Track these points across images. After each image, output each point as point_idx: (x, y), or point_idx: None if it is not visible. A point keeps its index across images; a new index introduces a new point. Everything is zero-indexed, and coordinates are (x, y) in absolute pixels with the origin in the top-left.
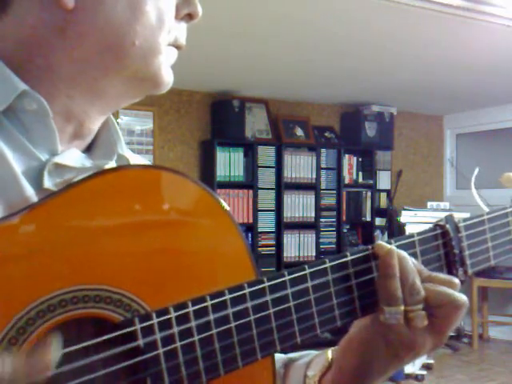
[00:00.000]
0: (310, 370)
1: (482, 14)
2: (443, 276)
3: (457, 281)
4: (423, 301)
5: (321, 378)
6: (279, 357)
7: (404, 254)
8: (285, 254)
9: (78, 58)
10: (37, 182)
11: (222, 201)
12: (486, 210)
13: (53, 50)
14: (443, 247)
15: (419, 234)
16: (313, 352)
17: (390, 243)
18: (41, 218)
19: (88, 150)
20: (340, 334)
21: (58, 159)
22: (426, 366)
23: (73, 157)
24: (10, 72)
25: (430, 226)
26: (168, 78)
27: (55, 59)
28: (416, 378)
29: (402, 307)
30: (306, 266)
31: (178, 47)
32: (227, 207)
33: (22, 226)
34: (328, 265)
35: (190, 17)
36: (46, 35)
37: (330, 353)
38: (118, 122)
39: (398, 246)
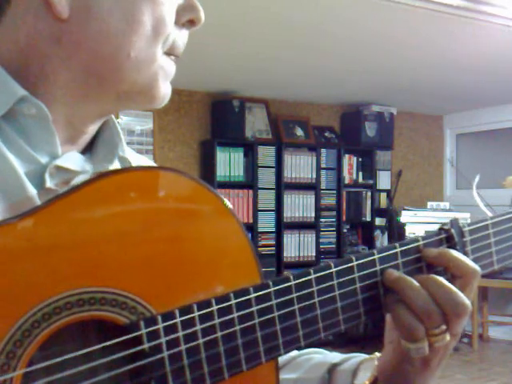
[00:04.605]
0: (357, 379)
1: (481, 14)
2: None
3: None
4: (442, 318)
5: None
6: (322, 362)
7: (409, 281)
8: (285, 254)
9: (74, 67)
10: (38, 184)
11: (224, 199)
12: (490, 214)
13: (48, 58)
14: None
15: (424, 238)
16: (356, 355)
17: (394, 247)
18: (46, 220)
19: (88, 150)
20: (339, 334)
21: (58, 162)
22: None
23: (73, 160)
24: (10, 77)
25: (436, 229)
26: (164, 91)
27: (51, 67)
28: None
29: (426, 341)
30: (312, 270)
31: (175, 56)
32: (230, 205)
33: (27, 228)
34: (333, 269)
35: (191, 23)
36: (41, 44)
37: (376, 361)
38: (118, 122)
39: (402, 251)
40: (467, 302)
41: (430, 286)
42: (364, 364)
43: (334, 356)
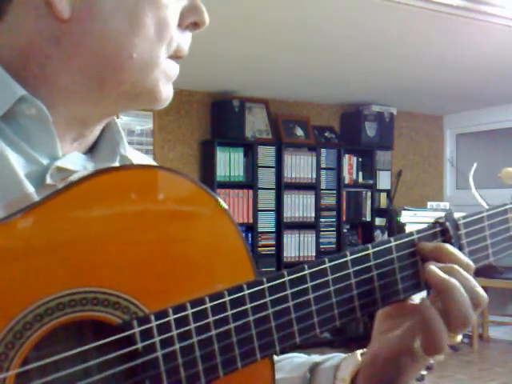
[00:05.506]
0: (339, 373)
1: (481, 14)
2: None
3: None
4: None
5: (352, 380)
6: (304, 362)
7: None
8: (285, 254)
9: (74, 69)
10: (39, 184)
11: (219, 199)
12: (486, 206)
13: (48, 59)
14: None
15: (418, 232)
16: (338, 355)
17: (389, 242)
18: (39, 218)
19: (90, 151)
20: (339, 334)
21: (59, 163)
22: (426, 366)
23: (74, 160)
24: (9, 77)
25: (430, 223)
26: (166, 94)
27: (51, 68)
28: (416, 377)
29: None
30: (306, 266)
31: (179, 57)
32: (225, 206)
33: (20, 227)
34: (327, 265)
35: (195, 25)
36: (42, 44)
37: (359, 356)
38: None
39: (397, 245)
40: (485, 293)
41: (456, 276)
42: (346, 360)
43: (317, 357)
